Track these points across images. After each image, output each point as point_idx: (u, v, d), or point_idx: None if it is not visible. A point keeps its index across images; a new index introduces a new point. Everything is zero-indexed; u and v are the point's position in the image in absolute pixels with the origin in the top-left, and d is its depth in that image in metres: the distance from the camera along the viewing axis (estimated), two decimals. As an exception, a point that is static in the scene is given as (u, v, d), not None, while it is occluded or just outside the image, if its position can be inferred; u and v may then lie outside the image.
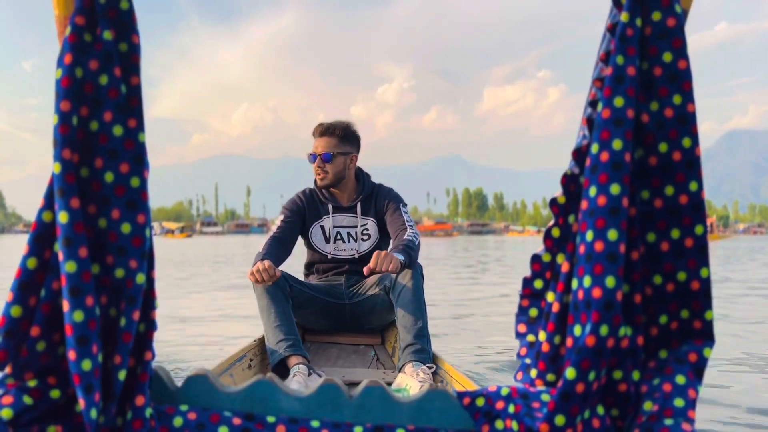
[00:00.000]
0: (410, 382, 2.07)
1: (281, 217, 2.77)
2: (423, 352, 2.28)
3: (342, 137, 2.74)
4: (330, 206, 2.79)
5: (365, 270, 2.31)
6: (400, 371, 2.25)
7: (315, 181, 2.83)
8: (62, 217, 0.85)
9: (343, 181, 2.77)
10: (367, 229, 2.80)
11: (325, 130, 2.74)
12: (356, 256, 2.81)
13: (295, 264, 2.97)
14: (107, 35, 0.90)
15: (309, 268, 2.93)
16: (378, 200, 2.80)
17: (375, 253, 2.32)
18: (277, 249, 2.62)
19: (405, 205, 2.79)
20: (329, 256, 2.81)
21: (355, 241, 2.80)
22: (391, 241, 2.69)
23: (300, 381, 2.10)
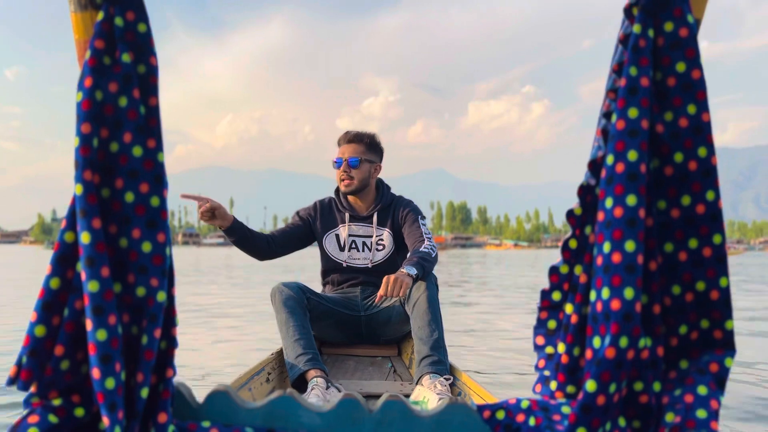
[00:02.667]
0: (428, 395, 2.06)
1: (290, 221, 2.86)
2: (440, 364, 2.27)
3: (369, 145, 2.79)
4: (347, 215, 2.81)
5: (377, 298, 2.35)
6: (417, 383, 2.24)
7: (336, 189, 2.86)
8: (84, 238, 0.86)
9: (365, 190, 2.80)
10: (382, 240, 2.81)
11: (354, 138, 2.78)
12: (369, 266, 2.82)
13: (311, 271, 2.99)
14: (126, 58, 0.92)
15: (325, 276, 2.95)
16: (396, 212, 2.81)
17: (384, 279, 2.34)
18: (261, 235, 2.72)
19: (424, 217, 2.80)
20: (344, 264, 2.83)
21: (370, 251, 2.81)
22: (409, 253, 2.71)
23: (318, 394, 2.10)
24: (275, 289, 2.54)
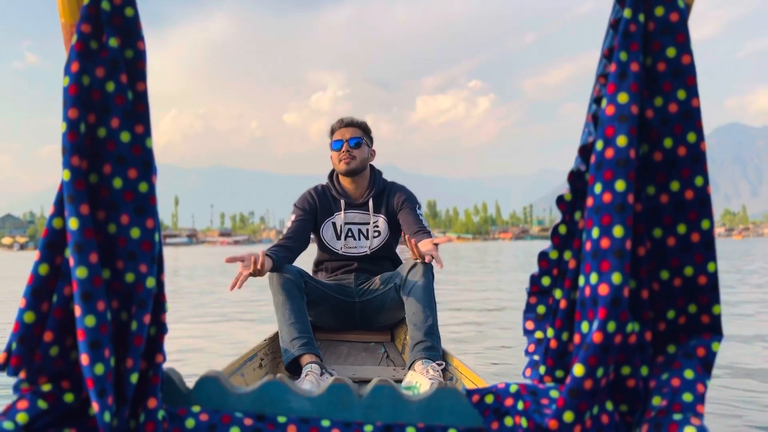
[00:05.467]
0: (420, 380, 2.07)
1: (292, 217, 2.77)
2: (433, 350, 2.28)
3: (364, 129, 2.82)
4: (342, 202, 2.80)
5: (413, 255, 2.42)
6: (410, 368, 2.25)
7: (330, 176, 2.84)
8: (72, 224, 0.86)
9: (362, 173, 2.79)
10: (378, 226, 2.81)
11: (350, 122, 2.80)
12: (368, 252, 2.82)
13: (305, 262, 2.96)
14: (113, 42, 0.91)
15: (318, 265, 2.94)
16: (390, 197, 2.81)
17: (420, 243, 2.42)
18: (285, 253, 2.59)
19: (420, 206, 2.80)
20: (341, 251, 2.82)
21: (366, 238, 2.81)
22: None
23: (312, 380, 2.11)
24: (274, 271, 2.53)
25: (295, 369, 2.29)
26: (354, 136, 2.74)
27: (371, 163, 2.87)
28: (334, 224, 2.81)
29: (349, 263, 2.84)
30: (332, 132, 2.81)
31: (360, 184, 2.81)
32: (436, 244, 2.40)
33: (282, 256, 2.54)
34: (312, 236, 2.85)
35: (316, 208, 2.80)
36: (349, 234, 2.81)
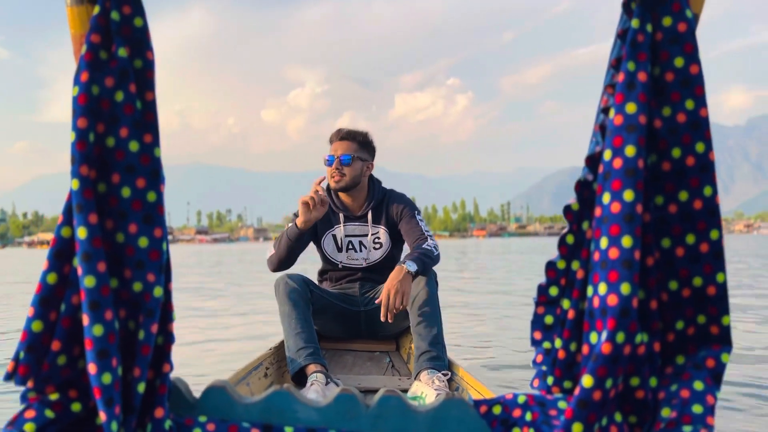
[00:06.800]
0: (426, 390, 2.07)
1: (291, 225, 2.77)
2: (438, 359, 2.27)
3: (362, 143, 2.75)
4: (341, 215, 2.78)
5: (381, 317, 2.35)
6: (415, 379, 2.25)
7: (327, 188, 2.83)
8: (81, 233, 0.86)
9: (357, 187, 2.75)
10: (379, 238, 2.79)
11: (346, 135, 2.74)
12: (364, 265, 2.81)
13: (309, 269, 2.97)
14: (122, 52, 0.91)
15: (322, 275, 2.93)
16: (389, 207, 2.79)
17: (385, 292, 2.34)
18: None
19: (419, 212, 2.78)
20: (340, 266, 2.82)
21: (367, 250, 2.80)
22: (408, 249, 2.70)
23: (317, 390, 2.10)
24: (279, 280, 2.53)
25: (301, 379, 2.29)
26: (346, 152, 2.69)
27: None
28: (334, 237, 2.80)
29: (353, 273, 2.84)
30: (330, 142, 2.78)
31: (357, 197, 2.79)
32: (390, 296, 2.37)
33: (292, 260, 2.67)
34: (315, 246, 2.85)
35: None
36: (350, 246, 2.80)
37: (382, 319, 2.34)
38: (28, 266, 21.05)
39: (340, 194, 2.79)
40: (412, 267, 2.39)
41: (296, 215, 2.66)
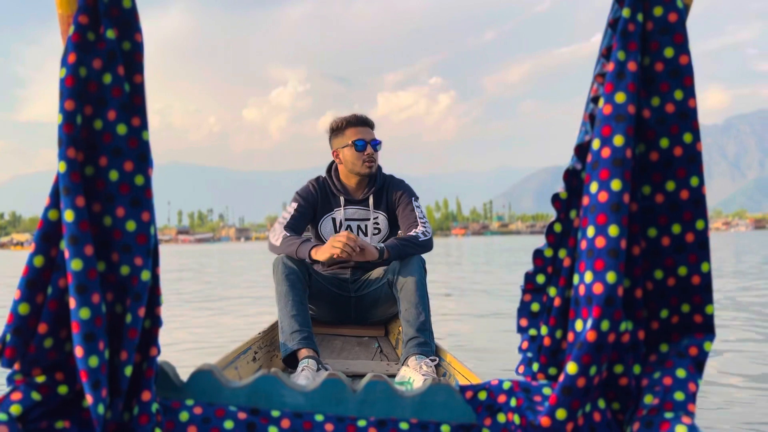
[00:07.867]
0: (413, 375, 2.08)
1: (294, 205, 2.74)
2: (426, 345, 2.29)
3: (373, 129, 2.79)
4: (342, 198, 2.78)
5: (332, 249, 2.43)
6: (403, 364, 2.26)
7: (329, 170, 2.81)
8: (68, 216, 0.86)
9: None
10: (378, 223, 2.79)
11: (366, 120, 2.76)
12: None
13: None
14: (110, 34, 0.90)
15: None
16: (389, 193, 2.79)
17: (349, 233, 2.46)
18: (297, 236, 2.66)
19: (417, 198, 2.78)
20: None
21: (366, 235, 2.79)
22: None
23: (308, 376, 2.11)
24: (278, 260, 2.52)
25: (291, 360, 2.29)
26: (374, 138, 2.73)
27: None
28: (333, 220, 2.79)
29: (346, 259, 2.83)
30: (341, 127, 2.75)
31: (361, 182, 2.79)
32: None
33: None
34: (310, 228, 2.84)
35: (317, 200, 2.79)
36: (349, 230, 2.79)
37: (338, 254, 2.43)
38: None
39: (349, 178, 2.78)
40: (380, 245, 2.52)
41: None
